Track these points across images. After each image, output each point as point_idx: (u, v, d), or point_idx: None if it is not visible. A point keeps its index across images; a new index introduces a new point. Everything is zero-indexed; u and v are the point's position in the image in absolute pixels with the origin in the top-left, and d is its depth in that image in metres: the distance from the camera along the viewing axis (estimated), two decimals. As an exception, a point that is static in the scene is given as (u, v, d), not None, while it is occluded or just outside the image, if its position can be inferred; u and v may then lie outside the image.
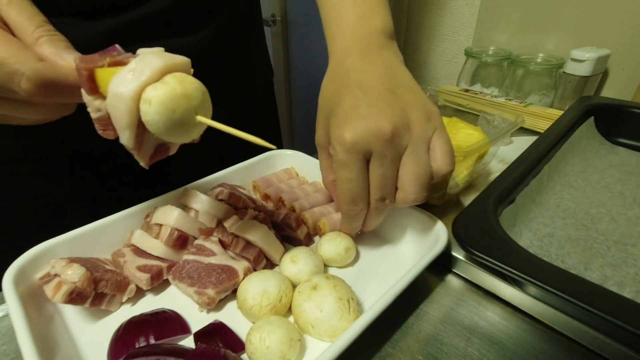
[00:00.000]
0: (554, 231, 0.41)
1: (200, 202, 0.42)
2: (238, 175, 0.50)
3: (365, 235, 0.44)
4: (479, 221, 0.36)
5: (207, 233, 0.39)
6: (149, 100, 0.24)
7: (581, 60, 0.73)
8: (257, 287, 0.33)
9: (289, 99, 2.03)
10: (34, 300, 0.33)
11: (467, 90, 0.86)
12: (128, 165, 0.49)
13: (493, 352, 0.32)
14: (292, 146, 0.58)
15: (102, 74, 0.25)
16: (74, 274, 0.32)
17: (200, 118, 0.26)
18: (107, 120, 0.25)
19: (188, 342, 0.32)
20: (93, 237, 0.38)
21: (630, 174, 0.52)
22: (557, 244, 0.39)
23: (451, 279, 0.39)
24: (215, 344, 0.30)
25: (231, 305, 0.36)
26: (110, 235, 0.39)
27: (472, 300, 0.37)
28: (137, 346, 0.30)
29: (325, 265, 0.40)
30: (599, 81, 0.80)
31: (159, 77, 0.24)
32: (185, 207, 0.42)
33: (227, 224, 0.41)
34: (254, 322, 0.33)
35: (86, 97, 0.25)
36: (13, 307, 0.30)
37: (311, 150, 0.56)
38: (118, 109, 0.24)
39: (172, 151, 0.29)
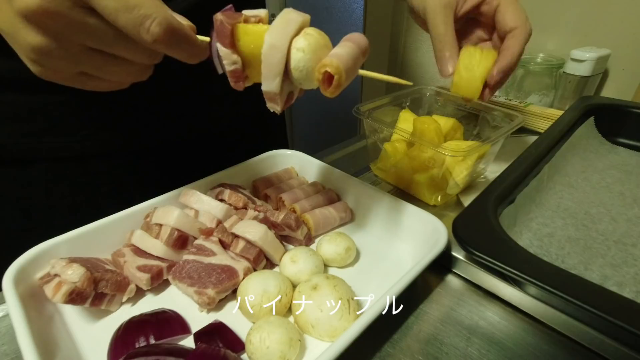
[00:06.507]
0: (554, 231, 0.41)
1: (200, 202, 0.42)
2: (238, 175, 0.50)
3: (365, 236, 0.44)
4: (479, 221, 0.36)
5: (207, 233, 0.39)
6: (302, 48, 0.27)
7: (581, 60, 0.73)
8: (257, 287, 0.33)
9: (289, 99, 2.03)
10: (34, 300, 0.32)
11: (467, 90, 0.86)
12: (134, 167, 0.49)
13: (493, 352, 0.32)
14: (292, 146, 0.57)
15: (241, 29, 0.27)
16: (74, 274, 0.32)
17: None
18: (240, 73, 0.28)
19: (188, 342, 0.32)
20: (93, 237, 0.38)
21: (630, 174, 0.52)
22: (557, 244, 0.39)
23: (451, 279, 0.39)
24: (215, 344, 0.30)
25: (231, 305, 0.36)
26: (110, 235, 0.39)
27: (472, 300, 0.37)
28: (137, 346, 0.30)
29: (325, 265, 0.40)
30: (599, 81, 0.80)
31: (299, 31, 0.27)
32: (185, 207, 0.43)
33: (227, 224, 0.41)
34: (254, 322, 0.33)
35: (224, 51, 0.27)
36: (13, 307, 0.30)
37: (311, 150, 0.56)
38: (275, 57, 0.27)
39: (292, 100, 0.32)
